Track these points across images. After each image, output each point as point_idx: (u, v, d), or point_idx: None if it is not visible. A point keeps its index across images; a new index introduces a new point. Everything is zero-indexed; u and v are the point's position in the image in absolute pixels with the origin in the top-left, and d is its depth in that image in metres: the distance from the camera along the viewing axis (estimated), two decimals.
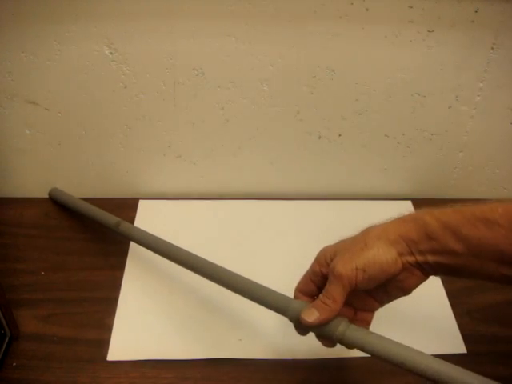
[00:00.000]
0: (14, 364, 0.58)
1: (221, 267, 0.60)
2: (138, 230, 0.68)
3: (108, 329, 0.62)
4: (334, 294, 0.47)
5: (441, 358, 0.56)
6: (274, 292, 0.55)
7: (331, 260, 0.49)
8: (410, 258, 0.46)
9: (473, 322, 0.65)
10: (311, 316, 0.48)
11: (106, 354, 0.60)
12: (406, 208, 0.79)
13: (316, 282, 0.52)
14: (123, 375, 0.58)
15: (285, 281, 0.69)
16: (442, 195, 0.84)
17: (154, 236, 0.66)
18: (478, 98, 0.73)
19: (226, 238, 0.75)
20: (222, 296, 0.66)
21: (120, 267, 0.70)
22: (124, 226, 0.69)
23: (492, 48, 0.68)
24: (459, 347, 0.61)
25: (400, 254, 0.46)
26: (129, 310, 0.65)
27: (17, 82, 0.70)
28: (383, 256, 0.45)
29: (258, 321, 0.63)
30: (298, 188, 0.83)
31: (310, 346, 0.61)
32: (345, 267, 0.46)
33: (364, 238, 0.47)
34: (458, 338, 0.63)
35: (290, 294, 0.66)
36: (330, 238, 0.76)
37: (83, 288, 0.67)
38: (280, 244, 0.74)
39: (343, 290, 0.47)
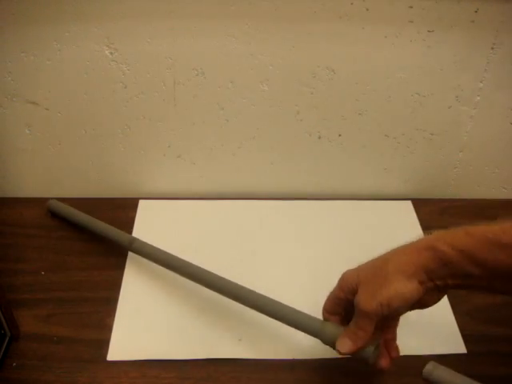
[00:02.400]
0: (14, 364, 0.59)
1: (245, 288, 0.61)
2: (153, 247, 0.69)
3: (108, 329, 0.62)
4: (363, 325, 0.49)
5: (441, 357, 0.56)
6: (304, 314, 0.57)
7: (353, 289, 0.50)
8: (431, 284, 0.47)
9: (473, 322, 0.64)
10: (345, 346, 0.50)
11: (106, 353, 0.60)
12: (405, 208, 0.80)
13: (342, 305, 0.53)
14: (123, 375, 0.58)
15: (285, 280, 0.70)
16: (442, 195, 0.84)
17: (169, 253, 0.67)
18: (478, 97, 0.73)
19: (225, 238, 0.75)
20: (221, 296, 0.66)
21: (120, 267, 0.70)
22: (138, 243, 0.69)
23: (492, 48, 0.68)
24: (459, 347, 0.61)
25: (421, 283, 0.47)
26: (129, 310, 0.65)
27: (17, 81, 0.70)
28: (405, 289, 0.46)
29: (257, 321, 0.63)
30: (298, 188, 0.83)
31: (310, 346, 0.61)
32: (370, 304, 0.47)
33: (384, 271, 0.48)
34: (458, 337, 0.63)
35: (292, 294, 0.67)
36: (330, 238, 0.76)
37: (83, 288, 0.67)
38: (280, 244, 0.74)
39: (371, 323, 0.48)
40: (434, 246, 0.46)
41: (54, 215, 0.77)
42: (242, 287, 0.62)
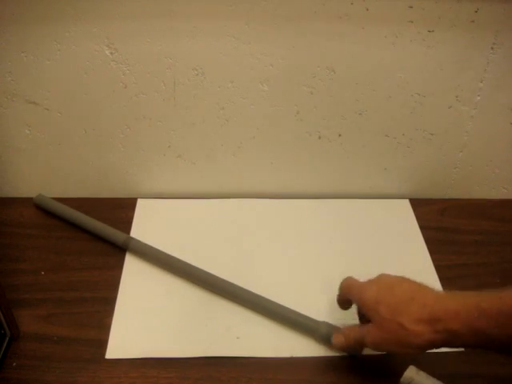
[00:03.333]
0: (14, 364, 0.59)
1: (243, 288, 0.64)
2: (149, 247, 0.70)
3: (108, 328, 0.62)
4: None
5: (439, 356, 0.56)
6: (300, 314, 0.62)
7: (367, 314, 0.54)
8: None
9: None
10: (336, 340, 0.58)
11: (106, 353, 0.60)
12: (403, 207, 0.80)
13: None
14: (123, 375, 0.58)
15: (284, 279, 0.70)
16: (441, 195, 0.84)
17: (165, 252, 0.69)
18: (478, 97, 0.73)
19: (225, 238, 0.75)
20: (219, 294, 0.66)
21: (119, 267, 0.70)
22: (134, 243, 0.70)
23: (492, 48, 0.68)
24: None
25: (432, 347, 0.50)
26: (127, 309, 0.65)
27: (17, 81, 0.70)
28: (416, 353, 0.51)
29: (255, 319, 0.63)
30: (298, 188, 0.83)
31: (308, 344, 0.61)
32: (380, 348, 0.53)
33: (400, 327, 0.49)
34: None
35: (291, 293, 0.67)
36: (330, 237, 0.76)
37: (83, 288, 0.67)
38: (280, 243, 0.74)
39: None
40: (450, 329, 0.47)
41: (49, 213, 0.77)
42: (236, 286, 0.64)
